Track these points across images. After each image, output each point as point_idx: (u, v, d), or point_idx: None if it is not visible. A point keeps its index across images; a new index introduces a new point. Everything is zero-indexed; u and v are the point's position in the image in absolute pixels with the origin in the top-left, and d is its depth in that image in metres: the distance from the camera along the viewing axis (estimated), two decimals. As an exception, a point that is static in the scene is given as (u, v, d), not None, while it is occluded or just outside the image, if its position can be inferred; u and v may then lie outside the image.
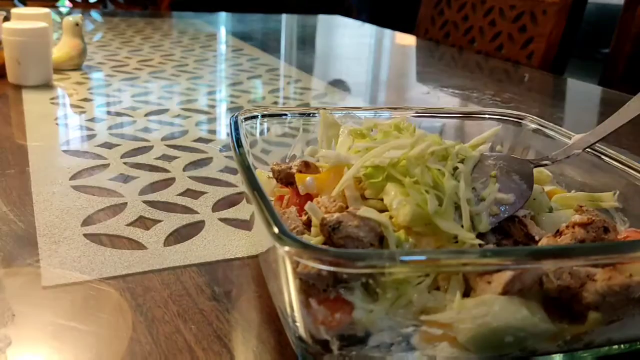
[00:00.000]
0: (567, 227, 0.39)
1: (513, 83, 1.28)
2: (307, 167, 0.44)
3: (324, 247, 0.32)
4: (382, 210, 0.37)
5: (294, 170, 0.44)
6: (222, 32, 1.68)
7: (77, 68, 1.05)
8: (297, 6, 3.25)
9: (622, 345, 0.37)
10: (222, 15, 1.95)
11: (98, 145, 0.69)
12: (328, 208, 0.38)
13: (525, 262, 0.32)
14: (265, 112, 0.50)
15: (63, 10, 1.90)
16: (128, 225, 0.51)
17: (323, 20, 2.01)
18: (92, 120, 0.79)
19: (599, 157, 0.47)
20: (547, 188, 0.47)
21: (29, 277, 0.42)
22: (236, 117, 0.47)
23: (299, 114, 0.52)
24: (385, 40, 1.78)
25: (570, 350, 0.35)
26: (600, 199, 0.45)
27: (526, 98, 1.12)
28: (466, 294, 0.34)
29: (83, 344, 0.36)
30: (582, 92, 1.27)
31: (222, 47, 1.44)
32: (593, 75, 1.63)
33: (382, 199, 0.38)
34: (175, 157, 0.67)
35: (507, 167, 0.43)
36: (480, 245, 0.36)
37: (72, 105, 0.86)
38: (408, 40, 1.74)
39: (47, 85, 0.94)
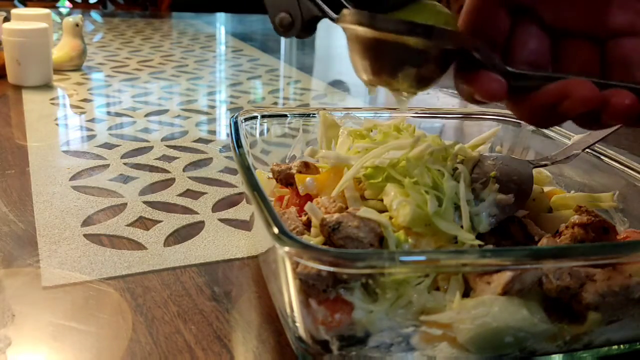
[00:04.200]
0: (566, 227, 0.40)
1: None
2: (306, 167, 0.44)
3: (324, 247, 0.32)
4: (382, 210, 0.37)
5: (293, 171, 0.44)
6: (222, 33, 1.68)
7: (77, 69, 1.05)
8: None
9: (621, 346, 0.37)
10: (222, 16, 1.95)
11: (98, 146, 0.69)
12: (328, 208, 0.38)
13: (524, 263, 0.32)
14: (265, 113, 0.50)
15: (63, 10, 1.90)
16: (128, 225, 0.51)
17: (323, 21, 2.00)
18: (92, 120, 0.79)
19: (599, 157, 0.47)
20: (546, 188, 0.47)
21: (29, 278, 0.42)
22: (236, 117, 0.47)
23: (299, 114, 0.52)
24: (385, 40, 1.78)
25: (570, 351, 0.35)
26: (600, 200, 0.45)
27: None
28: (466, 294, 0.34)
29: (83, 345, 0.36)
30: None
31: (222, 48, 1.44)
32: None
33: (382, 200, 0.38)
34: (175, 158, 0.67)
35: (506, 167, 0.43)
36: (480, 245, 0.36)
37: (72, 106, 0.86)
38: (408, 41, 1.74)
39: (47, 86, 0.94)
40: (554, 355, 0.35)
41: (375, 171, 0.39)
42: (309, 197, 0.41)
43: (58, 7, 1.95)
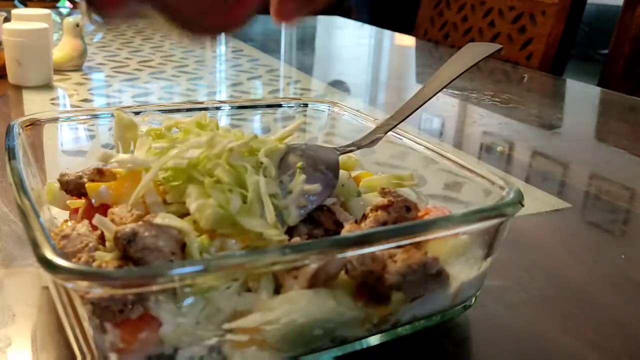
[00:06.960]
0: (370, 210, 0.39)
1: (512, 84, 1.28)
2: (101, 174, 0.41)
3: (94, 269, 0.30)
4: (187, 214, 0.35)
5: (85, 180, 0.40)
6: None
7: (78, 69, 1.06)
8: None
9: (421, 321, 0.37)
10: (222, 16, 1.94)
11: (98, 146, 0.69)
12: (124, 219, 0.35)
13: (324, 254, 0.31)
14: (44, 118, 0.47)
15: (63, 11, 1.90)
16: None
17: (322, 21, 2.00)
18: (92, 120, 0.79)
19: (400, 138, 0.48)
20: (354, 173, 0.46)
21: (29, 277, 0.43)
22: (14, 124, 0.43)
23: (90, 116, 0.49)
24: (384, 41, 1.78)
25: (379, 332, 0.35)
26: (403, 179, 0.44)
27: (525, 99, 1.12)
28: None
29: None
30: (581, 92, 1.27)
31: (222, 48, 1.44)
32: (592, 76, 1.62)
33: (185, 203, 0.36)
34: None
35: (313, 157, 0.42)
36: (290, 239, 0.35)
37: (72, 106, 0.86)
38: (407, 41, 1.73)
39: (47, 86, 0.94)
40: (371, 338, 0.35)
41: (176, 173, 0.37)
42: (106, 208, 0.38)
43: (58, 7, 1.95)
